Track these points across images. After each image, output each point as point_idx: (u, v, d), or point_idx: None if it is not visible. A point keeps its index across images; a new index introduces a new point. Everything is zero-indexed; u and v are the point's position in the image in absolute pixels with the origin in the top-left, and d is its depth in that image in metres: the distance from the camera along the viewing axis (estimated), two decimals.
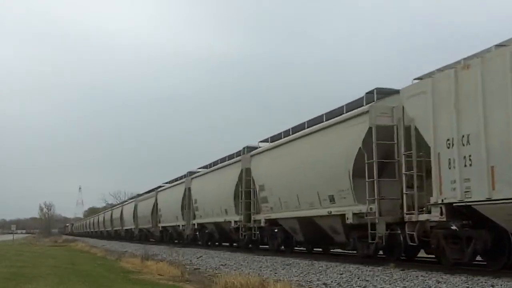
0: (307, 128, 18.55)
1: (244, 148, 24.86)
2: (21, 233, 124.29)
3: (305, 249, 21.26)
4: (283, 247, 21.22)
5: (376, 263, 14.43)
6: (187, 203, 32.68)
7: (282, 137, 20.63)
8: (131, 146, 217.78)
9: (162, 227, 39.78)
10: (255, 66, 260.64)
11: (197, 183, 31.54)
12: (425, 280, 10.69)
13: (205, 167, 31.94)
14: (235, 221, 24.38)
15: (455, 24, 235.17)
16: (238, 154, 25.71)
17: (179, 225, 34.53)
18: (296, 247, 21.40)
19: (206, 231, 30.54)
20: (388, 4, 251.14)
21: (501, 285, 9.59)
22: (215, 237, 29.51)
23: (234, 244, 27.34)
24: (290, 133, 19.84)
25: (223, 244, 29.80)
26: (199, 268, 17.03)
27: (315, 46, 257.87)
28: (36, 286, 11.67)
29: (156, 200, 41.48)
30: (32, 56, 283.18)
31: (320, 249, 20.87)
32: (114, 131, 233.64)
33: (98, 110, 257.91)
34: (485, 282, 9.91)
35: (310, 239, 19.30)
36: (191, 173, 33.67)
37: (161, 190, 41.17)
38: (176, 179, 37.74)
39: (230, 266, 16.41)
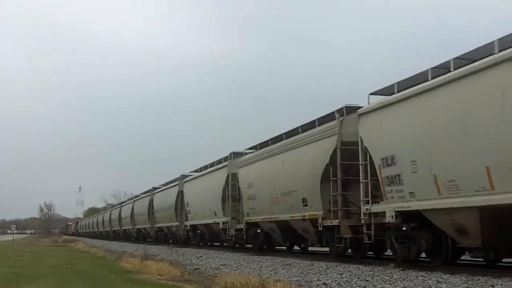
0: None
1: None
2: (30, 233, 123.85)
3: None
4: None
5: (376, 263, 14.47)
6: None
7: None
8: (130, 146, 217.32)
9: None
10: (255, 67, 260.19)
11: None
12: (425, 280, 10.67)
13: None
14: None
15: (457, 24, 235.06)
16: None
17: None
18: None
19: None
20: (389, 4, 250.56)
21: (501, 285, 9.57)
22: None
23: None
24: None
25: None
26: (199, 268, 16.96)
27: (315, 47, 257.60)
28: (36, 286, 11.64)
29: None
30: (33, 57, 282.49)
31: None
32: (114, 131, 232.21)
33: (98, 110, 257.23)
34: (485, 282, 9.89)
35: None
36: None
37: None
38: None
39: (230, 266, 16.37)
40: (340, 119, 16.20)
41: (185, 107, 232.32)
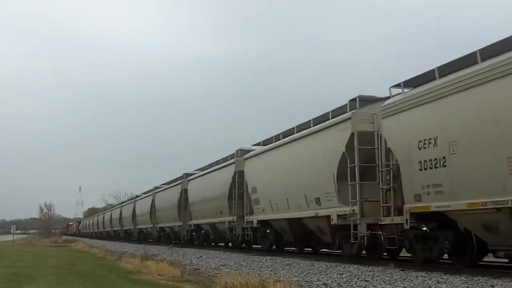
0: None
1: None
2: (32, 233, 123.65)
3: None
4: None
5: (376, 263, 14.48)
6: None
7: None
8: (130, 146, 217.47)
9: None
10: (255, 67, 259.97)
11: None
12: (425, 280, 10.74)
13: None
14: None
15: (457, 24, 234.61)
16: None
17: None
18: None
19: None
20: (389, 4, 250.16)
21: (501, 285, 9.62)
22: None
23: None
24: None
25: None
26: (199, 268, 17.03)
27: (315, 47, 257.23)
28: (36, 286, 11.68)
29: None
30: (33, 57, 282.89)
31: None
32: (114, 131, 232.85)
33: (98, 110, 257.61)
34: (485, 282, 9.97)
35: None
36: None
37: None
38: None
39: (230, 266, 16.45)
40: None
41: (185, 107, 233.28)
